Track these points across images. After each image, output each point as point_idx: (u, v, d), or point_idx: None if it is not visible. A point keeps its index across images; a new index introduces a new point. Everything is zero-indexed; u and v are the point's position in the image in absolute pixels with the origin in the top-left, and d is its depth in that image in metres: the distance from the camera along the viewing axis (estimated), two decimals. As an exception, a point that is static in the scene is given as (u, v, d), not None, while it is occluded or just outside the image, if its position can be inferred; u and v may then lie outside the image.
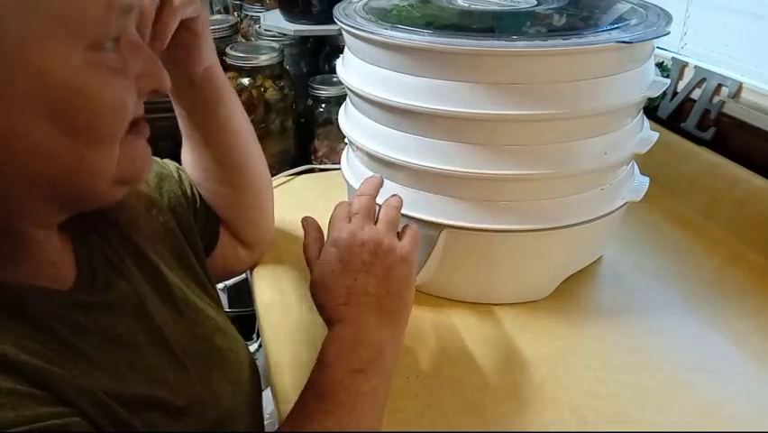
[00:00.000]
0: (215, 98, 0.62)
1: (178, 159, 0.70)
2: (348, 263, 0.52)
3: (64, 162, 0.38)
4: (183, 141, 0.67)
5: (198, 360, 0.52)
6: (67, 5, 0.35)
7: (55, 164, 0.38)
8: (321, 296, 0.53)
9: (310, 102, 1.03)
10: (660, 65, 0.94)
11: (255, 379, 0.60)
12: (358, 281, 0.52)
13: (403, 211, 0.64)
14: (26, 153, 0.37)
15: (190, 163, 0.67)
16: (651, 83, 0.63)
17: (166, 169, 0.65)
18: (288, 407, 0.57)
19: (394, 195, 0.59)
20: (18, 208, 0.40)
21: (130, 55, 0.41)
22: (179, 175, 0.66)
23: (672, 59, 0.93)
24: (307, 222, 0.59)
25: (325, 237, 0.57)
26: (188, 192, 0.66)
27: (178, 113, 0.64)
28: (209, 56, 0.59)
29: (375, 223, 0.56)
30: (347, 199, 0.73)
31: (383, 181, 0.61)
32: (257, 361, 0.64)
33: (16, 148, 0.36)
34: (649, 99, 0.66)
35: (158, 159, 0.66)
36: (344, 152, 0.78)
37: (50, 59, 0.35)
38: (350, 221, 0.56)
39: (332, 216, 0.58)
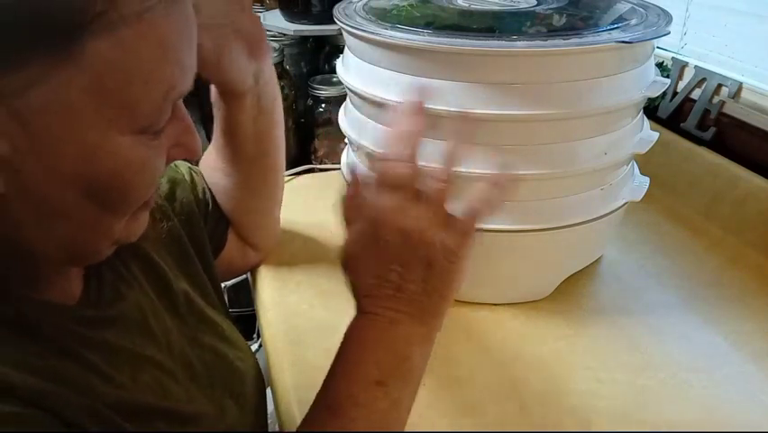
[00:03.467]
0: (276, 93, 0.63)
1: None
2: (383, 250, 0.44)
3: (82, 225, 0.39)
4: (218, 153, 0.66)
5: (203, 372, 0.52)
6: (125, 94, 0.36)
7: (74, 225, 0.39)
8: (350, 273, 0.47)
9: (310, 102, 1.03)
10: (660, 65, 0.94)
11: (260, 389, 0.60)
12: (391, 274, 0.44)
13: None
14: (52, 214, 0.38)
15: (220, 171, 0.67)
16: (651, 83, 0.63)
17: (179, 173, 0.64)
18: (288, 407, 0.58)
19: (446, 156, 0.46)
20: (24, 250, 0.40)
21: (170, 128, 0.41)
22: (192, 178, 0.66)
23: (672, 59, 0.93)
24: (351, 175, 0.51)
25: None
26: (201, 196, 0.65)
27: (233, 126, 0.63)
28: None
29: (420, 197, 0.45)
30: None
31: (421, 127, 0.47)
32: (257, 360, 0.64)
33: (45, 210, 0.37)
34: (649, 99, 0.66)
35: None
36: (344, 152, 0.78)
37: (98, 139, 0.36)
38: (392, 191, 0.45)
39: (372, 176, 0.46)
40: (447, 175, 0.46)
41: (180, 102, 0.41)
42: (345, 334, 0.46)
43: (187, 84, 0.39)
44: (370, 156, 0.67)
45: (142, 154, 0.38)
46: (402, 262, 0.44)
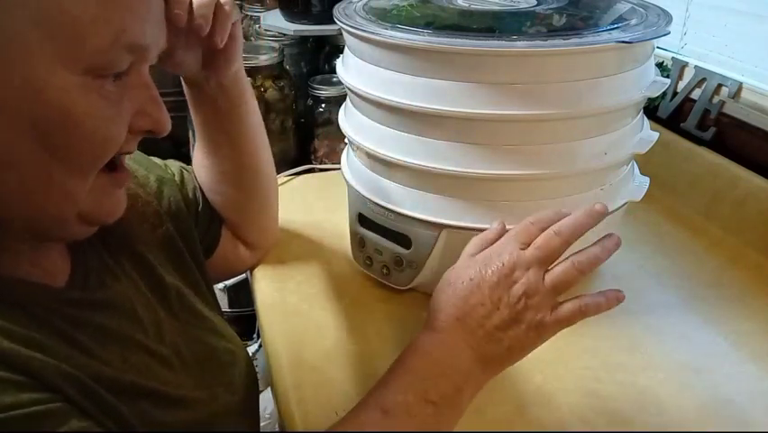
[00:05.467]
0: (239, 100, 0.62)
1: (178, 159, 0.69)
2: (489, 288, 0.47)
3: (35, 179, 0.38)
4: (198, 145, 0.67)
5: (193, 361, 0.52)
6: (72, 28, 0.36)
7: (26, 178, 0.38)
8: (444, 291, 0.49)
9: (310, 102, 1.03)
10: (660, 65, 0.94)
11: (251, 379, 0.61)
12: (483, 309, 0.47)
13: (403, 211, 0.64)
14: (2, 162, 0.37)
15: (204, 168, 0.67)
16: (651, 83, 0.63)
17: (168, 172, 0.65)
18: (288, 407, 0.58)
19: (591, 252, 0.48)
20: None
21: (133, 92, 0.41)
22: (183, 177, 0.66)
23: (672, 59, 0.93)
24: (499, 223, 0.54)
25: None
26: (190, 195, 0.66)
27: (199, 118, 0.64)
28: (240, 57, 0.60)
29: (547, 270, 0.48)
30: (346, 199, 0.73)
31: (588, 228, 0.49)
32: (257, 360, 0.64)
33: None
34: (649, 99, 0.66)
35: (159, 160, 0.66)
36: (344, 152, 0.78)
37: (45, 74, 0.36)
38: (526, 247, 0.49)
39: (515, 228, 0.51)
40: (587, 268, 0.48)
41: (146, 70, 0.42)
42: (413, 343, 0.48)
43: (142, 34, 0.40)
44: (370, 156, 0.67)
45: (94, 101, 0.38)
46: (497, 303, 0.47)
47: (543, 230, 0.49)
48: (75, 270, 0.47)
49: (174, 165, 0.67)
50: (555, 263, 0.48)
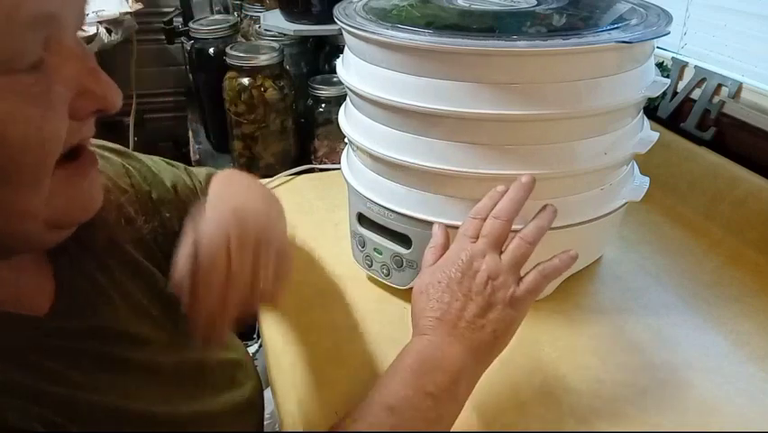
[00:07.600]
0: None
1: (178, 159, 0.69)
2: (457, 284, 0.51)
3: None
4: None
5: (191, 382, 0.51)
6: None
7: None
8: (419, 301, 0.52)
9: (310, 102, 1.03)
10: (660, 65, 0.94)
11: (254, 386, 0.60)
12: (458, 303, 0.50)
13: (403, 211, 0.65)
14: None
15: None
16: (651, 83, 0.63)
17: (179, 176, 0.63)
18: (288, 407, 0.58)
19: (534, 224, 0.53)
20: None
21: (62, 72, 0.34)
22: (189, 176, 0.65)
23: (672, 59, 0.93)
24: (438, 227, 0.58)
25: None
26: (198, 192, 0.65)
27: None
28: None
29: (502, 252, 0.52)
30: (346, 199, 0.73)
31: (522, 202, 0.54)
32: (257, 360, 0.64)
33: None
34: (649, 99, 0.66)
35: (166, 161, 0.64)
36: (344, 152, 0.78)
37: None
38: (476, 240, 0.53)
39: (461, 227, 0.55)
40: (534, 238, 0.52)
41: (73, 41, 0.36)
42: (404, 348, 0.50)
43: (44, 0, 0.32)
44: (370, 156, 0.67)
45: (13, 103, 0.32)
46: (468, 294, 0.50)
47: (485, 219, 0.53)
48: (59, 294, 0.42)
49: (179, 168, 0.65)
50: (507, 243, 0.53)
